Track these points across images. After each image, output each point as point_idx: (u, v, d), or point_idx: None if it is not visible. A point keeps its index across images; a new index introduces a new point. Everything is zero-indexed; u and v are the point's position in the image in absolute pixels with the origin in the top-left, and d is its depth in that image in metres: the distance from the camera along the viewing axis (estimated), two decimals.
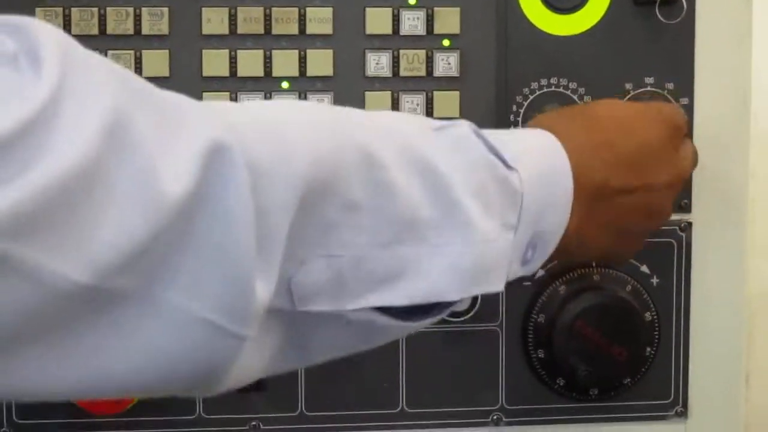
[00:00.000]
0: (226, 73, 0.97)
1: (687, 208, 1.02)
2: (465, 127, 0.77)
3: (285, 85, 0.98)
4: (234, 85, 0.97)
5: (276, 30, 0.98)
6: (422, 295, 0.73)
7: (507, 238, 0.76)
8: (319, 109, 0.73)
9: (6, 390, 0.61)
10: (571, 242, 0.83)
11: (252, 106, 0.71)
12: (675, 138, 0.91)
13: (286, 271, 0.67)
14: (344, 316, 0.72)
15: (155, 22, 0.97)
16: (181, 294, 0.61)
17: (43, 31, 0.59)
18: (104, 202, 0.57)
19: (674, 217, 1.02)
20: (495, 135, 0.78)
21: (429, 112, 0.98)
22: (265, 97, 0.97)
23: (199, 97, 0.95)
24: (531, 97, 1.00)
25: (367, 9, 0.98)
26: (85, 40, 0.94)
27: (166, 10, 0.97)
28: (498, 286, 0.76)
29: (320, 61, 0.98)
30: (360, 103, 0.98)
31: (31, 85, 0.56)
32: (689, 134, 0.98)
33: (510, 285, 1.00)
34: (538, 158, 0.80)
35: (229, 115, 0.66)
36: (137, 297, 0.60)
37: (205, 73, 0.97)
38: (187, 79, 0.97)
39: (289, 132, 0.67)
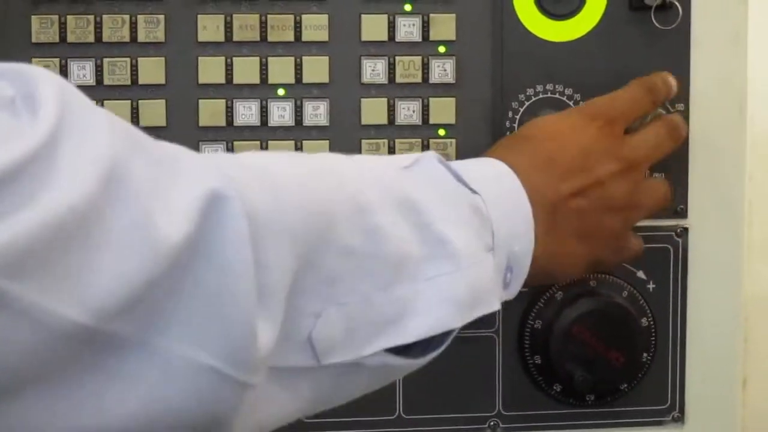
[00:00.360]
0: (222, 80, 0.97)
1: (683, 214, 1.02)
2: (432, 159, 0.80)
3: (281, 92, 0.98)
4: (230, 92, 0.97)
5: (272, 37, 0.98)
6: (426, 329, 0.76)
7: (490, 259, 0.80)
8: (309, 159, 0.75)
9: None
10: (547, 262, 0.86)
11: (248, 157, 0.72)
12: (605, 127, 0.93)
13: (303, 327, 0.70)
14: (362, 364, 0.74)
15: (151, 29, 0.97)
16: (180, 341, 0.61)
17: (41, 76, 0.60)
18: (101, 245, 0.57)
19: (670, 222, 1.02)
20: (455, 164, 0.82)
21: (425, 119, 0.98)
22: (261, 104, 0.97)
23: (195, 104, 0.96)
24: (527, 104, 1.00)
25: (363, 16, 0.98)
26: (80, 47, 0.95)
27: (162, 17, 0.97)
28: (494, 305, 0.80)
29: (316, 68, 0.98)
30: (356, 110, 0.98)
31: (28, 127, 0.57)
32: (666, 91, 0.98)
33: None
34: (495, 183, 0.83)
35: (226, 165, 0.66)
36: (135, 343, 0.60)
37: (201, 81, 0.97)
38: (182, 86, 0.97)
39: (284, 184, 0.68)
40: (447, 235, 0.76)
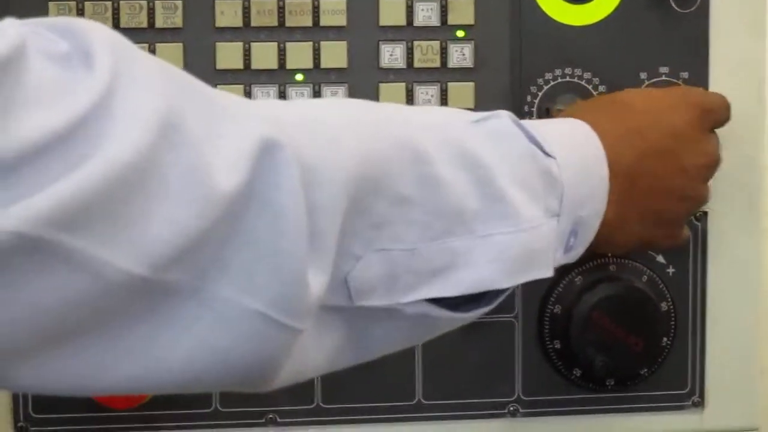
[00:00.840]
0: (240, 65, 0.97)
1: None
2: (504, 117, 0.79)
3: (299, 77, 0.97)
4: (248, 78, 0.97)
5: (289, 22, 0.97)
6: (472, 285, 0.74)
7: (551, 225, 0.78)
8: (365, 107, 0.75)
9: (63, 383, 0.62)
10: (611, 230, 0.85)
11: (299, 104, 0.73)
12: (705, 121, 0.93)
13: (342, 267, 0.69)
14: (399, 311, 0.73)
15: (169, 15, 0.96)
16: (233, 288, 0.62)
17: (93, 30, 0.61)
18: (157, 195, 0.58)
19: None
20: (531, 125, 0.80)
21: (444, 103, 0.98)
22: (279, 90, 0.97)
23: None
24: (545, 88, 0.99)
25: (381, 0, 0.98)
26: None
27: (179, 3, 0.97)
28: (546, 272, 0.79)
29: (334, 53, 0.98)
30: (374, 95, 0.98)
31: (84, 82, 0.58)
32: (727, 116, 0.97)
33: None
34: (573, 146, 0.82)
35: (278, 113, 0.67)
36: (190, 291, 0.61)
37: (218, 66, 0.97)
38: (201, 72, 0.95)
39: (337, 130, 0.68)
40: (508, 194, 0.75)
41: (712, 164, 0.93)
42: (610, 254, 1.00)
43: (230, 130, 0.62)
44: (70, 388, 0.63)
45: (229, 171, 0.61)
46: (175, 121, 0.59)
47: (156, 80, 0.60)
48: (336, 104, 0.74)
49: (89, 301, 0.58)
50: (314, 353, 0.70)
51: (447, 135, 0.75)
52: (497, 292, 0.76)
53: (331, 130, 0.68)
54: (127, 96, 0.58)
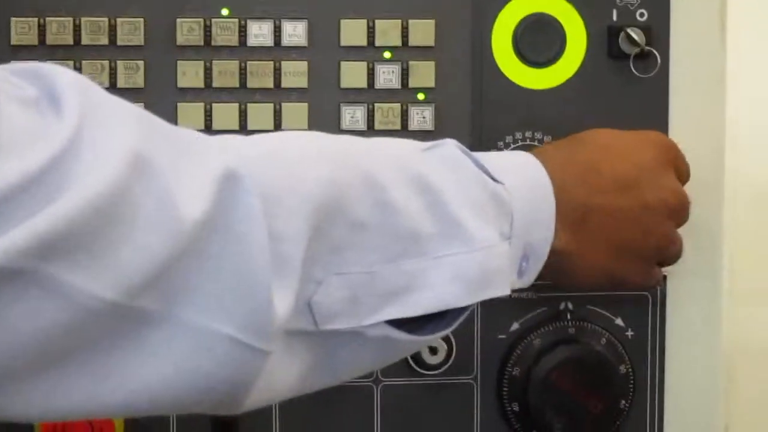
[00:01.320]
0: (201, 125, 0.97)
1: None
2: (451, 146, 0.81)
3: None
4: None
5: (251, 83, 0.98)
6: (431, 304, 0.77)
7: (504, 247, 0.80)
8: (323, 138, 0.78)
9: (36, 409, 0.64)
10: (569, 260, 0.87)
11: (259, 138, 0.75)
12: (667, 160, 0.94)
13: (305, 291, 0.72)
14: (362, 334, 0.75)
15: (130, 74, 0.97)
16: (203, 313, 0.65)
17: (60, 74, 0.64)
18: (128, 226, 0.61)
19: None
20: (478, 154, 0.83)
21: None
22: None
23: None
24: (506, 151, 1.00)
25: (342, 62, 0.98)
26: None
27: (141, 63, 0.97)
28: (504, 289, 0.80)
29: (295, 115, 0.98)
30: None
31: (53, 126, 0.61)
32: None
33: (485, 337, 1.01)
34: (520, 174, 0.84)
35: (239, 146, 0.71)
36: (159, 317, 0.64)
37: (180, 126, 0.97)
38: None
39: (297, 161, 0.72)
40: (461, 217, 0.77)
41: (675, 200, 0.93)
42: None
43: (193, 163, 0.65)
44: (47, 414, 0.65)
45: (193, 201, 0.64)
46: (143, 155, 0.62)
47: (122, 118, 0.64)
48: (294, 136, 0.77)
49: (65, 327, 0.60)
50: (283, 376, 0.73)
51: (401, 162, 0.77)
52: (457, 313, 0.78)
53: (291, 161, 0.71)
54: (96, 135, 0.61)
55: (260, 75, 0.98)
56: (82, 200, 0.59)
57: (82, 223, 0.59)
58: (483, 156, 0.83)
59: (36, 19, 0.95)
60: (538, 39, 1.00)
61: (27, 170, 0.58)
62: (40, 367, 0.62)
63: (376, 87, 0.99)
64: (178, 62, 0.97)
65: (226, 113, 0.98)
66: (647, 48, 1.00)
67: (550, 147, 0.93)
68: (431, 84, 0.99)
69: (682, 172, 0.96)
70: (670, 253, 0.95)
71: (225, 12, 0.97)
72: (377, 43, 0.99)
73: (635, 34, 1.00)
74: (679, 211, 0.94)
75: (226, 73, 0.97)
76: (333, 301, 0.73)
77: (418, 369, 1.00)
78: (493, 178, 0.81)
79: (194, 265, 0.64)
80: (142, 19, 0.97)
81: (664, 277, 1.03)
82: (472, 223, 0.78)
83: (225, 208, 0.65)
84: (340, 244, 0.73)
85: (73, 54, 0.96)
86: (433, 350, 1.00)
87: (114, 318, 0.62)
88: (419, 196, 0.76)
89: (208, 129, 0.97)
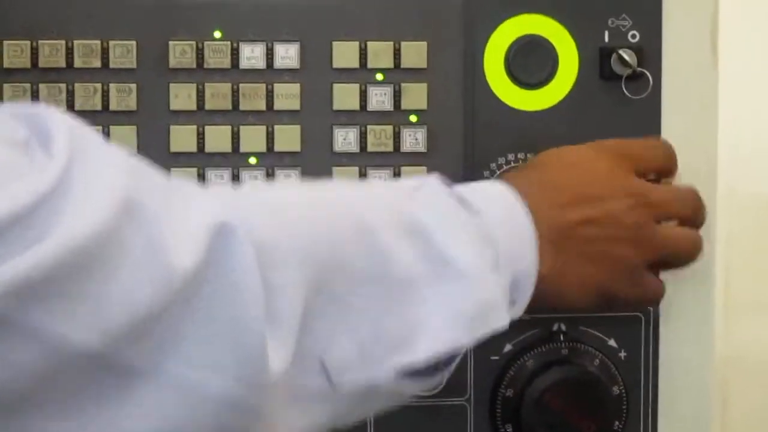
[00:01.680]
0: (194, 148, 0.97)
1: None
2: (434, 183, 0.82)
3: (252, 160, 0.98)
4: (201, 161, 0.98)
5: (243, 106, 0.98)
6: (438, 348, 0.77)
7: (495, 277, 0.81)
8: (314, 188, 0.78)
9: None
10: (556, 282, 0.87)
11: (251, 188, 0.75)
12: (624, 165, 0.92)
13: (316, 351, 0.71)
14: (376, 389, 0.75)
15: (123, 97, 0.97)
16: (191, 366, 0.63)
17: (52, 116, 0.63)
18: (113, 273, 0.60)
19: None
20: (459, 187, 0.84)
21: None
22: (233, 173, 0.98)
23: (167, 173, 0.96)
24: (498, 172, 1.00)
25: (335, 85, 0.99)
26: None
27: (133, 86, 0.97)
28: (503, 321, 0.81)
29: (288, 137, 0.98)
30: (328, 179, 0.98)
31: (42, 166, 0.60)
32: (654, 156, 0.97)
33: (478, 358, 1.00)
34: (497, 203, 0.84)
35: (232, 197, 0.70)
36: (146, 368, 0.62)
37: (172, 149, 0.97)
38: (154, 155, 0.96)
39: (290, 212, 0.71)
40: (451, 255, 0.78)
41: (641, 203, 0.91)
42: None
43: (187, 213, 0.64)
44: None
45: (185, 251, 0.62)
46: (132, 197, 0.62)
47: (112, 162, 0.63)
48: (286, 187, 0.77)
49: (45, 374, 0.59)
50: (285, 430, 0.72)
51: (389, 206, 0.78)
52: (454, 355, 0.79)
53: (284, 212, 0.71)
54: (85, 177, 0.60)
55: (252, 97, 0.98)
56: (69, 241, 0.58)
57: (66, 267, 0.58)
58: (463, 188, 0.84)
59: (28, 42, 0.95)
60: (530, 60, 1.01)
61: (12, 209, 0.57)
62: (17, 414, 0.60)
63: (368, 109, 0.99)
64: (171, 85, 0.97)
65: (218, 135, 0.98)
66: (639, 69, 1.01)
67: (516, 173, 0.93)
68: (423, 106, 0.99)
69: (652, 167, 0.96)
70: (655, 254, 0.93)
71: (217, 35, 0.98)
72: (369, 65, 0.99)
73: (627, 56, 1.00)
74: (657, 207, 0.92)
75: (218, 95, 0.97)
76: (344, 357, 0.73)
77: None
78: (475, 211, 0.82)
79: (184, 314, 0.63)
80: (134, 42, 0.97)
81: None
82: (462, 261, 0.78)
83: (218, 257, 0.64)
84: (342, 299, 0.73)
85: (66, 77, 0.96)
86: None
87: (96, 367, 0.60)
88: (410, 239, 0.77)
89: (201, 151, 0.97)
